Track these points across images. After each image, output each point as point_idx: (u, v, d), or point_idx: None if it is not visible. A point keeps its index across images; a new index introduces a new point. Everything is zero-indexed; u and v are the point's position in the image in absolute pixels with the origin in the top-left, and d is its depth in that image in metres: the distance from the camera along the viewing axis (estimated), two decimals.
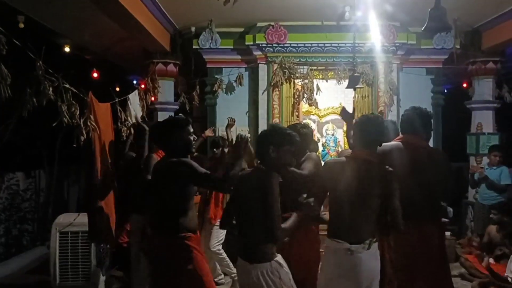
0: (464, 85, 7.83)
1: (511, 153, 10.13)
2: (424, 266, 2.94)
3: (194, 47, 6.56)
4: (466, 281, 5.23)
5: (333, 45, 6.31)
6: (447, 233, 6.16)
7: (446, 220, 6.41)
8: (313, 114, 7.45)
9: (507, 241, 5.13)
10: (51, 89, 2.62)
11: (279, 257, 2.54)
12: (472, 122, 7.13)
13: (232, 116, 6.67)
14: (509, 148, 10.08)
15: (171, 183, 2.82)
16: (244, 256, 2.55)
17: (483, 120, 6.93)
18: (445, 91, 6.96)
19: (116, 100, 4.12)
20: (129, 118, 4.35)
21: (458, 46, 6.41)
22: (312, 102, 6.42)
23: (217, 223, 4.68)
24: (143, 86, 6.49)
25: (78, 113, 2.91)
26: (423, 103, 6.60)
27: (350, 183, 2.60)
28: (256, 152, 2.73)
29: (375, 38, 5.87)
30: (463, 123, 7.49)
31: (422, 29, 4.00)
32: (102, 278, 4.49)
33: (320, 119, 7.54)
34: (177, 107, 7.05)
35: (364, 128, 2.75)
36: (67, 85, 2.81)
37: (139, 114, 4.70)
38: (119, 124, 4.18)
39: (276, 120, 6.39)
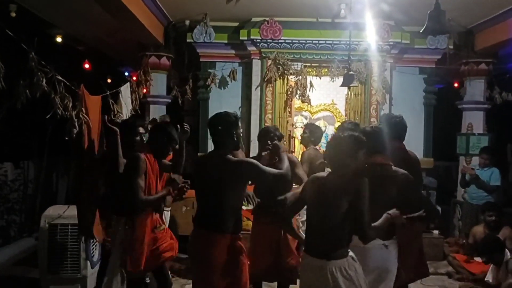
0: (456, 85, 7.88)
1: (500, 154, 10.29)
2: None
3: (188, 40, 6.52)
4: (452, 280, 5.28)
5: (327, 42, 6.31)
6: (435, 232, 6.24)
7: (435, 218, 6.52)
8: (305, 111, 7.46)
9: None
10: (44, 80, 2.58)
11: (351, 252, 2.62)
12: (462, 123, 7.18)
13: (224, 110, 6.66)
14: (498, 149, 10.23)
15: (238, 181, 2.79)
16: (320, 254, 2.57)
17: (474, 121, 6.99)
18: (437, 91, 6.98)
19: (108, 93, 4.06)
20: (120, 111, 4.31)
21: (451, 47, 6.46)
22: (305, 99, 6.42)
23: None
24: (135, 78, 6.44)
25: (71, 105, 2.87)
26: (415, 103, 6.72)
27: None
28: (334, 157, 2.68)
29: (370, 36, 5.88)
30: (454, 123, 7.55)
31: (421, 31, 4.01)
32: (91, 271, 4.46)
33: (312, 116, 7.55)
34: (169, 100, 7.01)
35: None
36: (60, 77, 2.76)
37: (130, 107, 4.66)
38: (112, 117, 4.13)
39: (269, 116, 6.39)
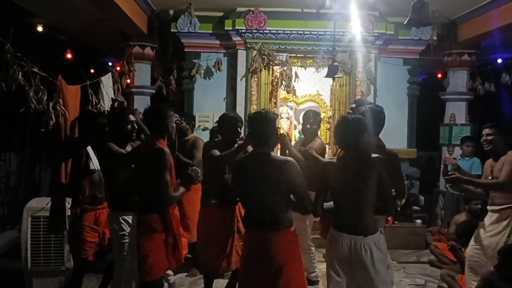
0: (439, 76, 7.95)
1: (482, 144, 10.42)
2: None
3: (172, 30, 6.45)
4: (435, 268, 5.37)
5: (312, 33, 6.30)
6: (418, 221, 6.33)
7: (418, 208, 6.62)
8: (290, 101, 7.49)
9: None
10: (20, 73, 2.52)
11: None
12: (445, 113, 7.26)
13: (209, 101, 6.66)
14: (480, 140, 10.36)
15: (290, 179, 2.78)
16: (356, 231, 2.82)
17: (456, 111, 7.07)
18: (421, 81, 7.04)
19: (88, 83, 4.00)
20: (101, 101, 4.25)
21: (435, 38, 6.50)
22: (290, 90, 6.42)
23: None
24: (118, 68, 6.36)
25: (45, 98, 2.81)
26: (399, 93, 6.77)
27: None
28: (347, 140, 2.90)
29: (355, 27, 5.88)
30: (437, 114, 7.63)
31: (405, 22, 4.04)
32: None
33: (298, 106, 7.58)
34: (153, 91, 6.95)
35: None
36: (36, 69, 2.71)
37: (111, 97, 4.59)
38: (89, 107, 4.07)
39: (254, 107, 6.37)
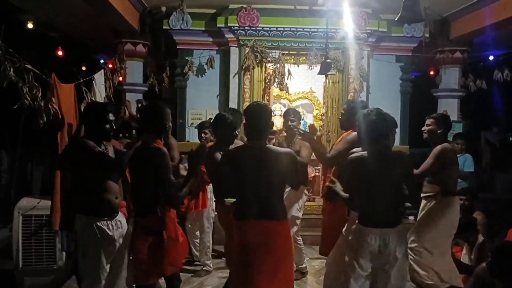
0: (432, 73, 7.99)
1: (474, 141, 10.51)
2: None
3: (164, 27, 6.42)
4: None
5: (305, 30, 6.29)
6: (410, 218, 6.34)
7: (410, 204, 6.63)
8: (283, 99, 7.46)
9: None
10: (12, 70, 2.49)
11: None
12: (438, 110, 7.28)
13: (202, 99, 6.63)
14: (472, 136, 10.45)
15: (288, 170, 2.88)
16: (386, 224, 2.86)
17: (448, 108, 7.09)
18: (414, 79, 7.07)
19: (81, 81, 3.97)
20: (93, 99, 4.22)
21: (427, 35, 6.52)
22: (283, 87, 6.41)
23: None
24: (110, 66, 6.32)
25: (40, 95, 2.78)
26: (392, 90, 6.79)
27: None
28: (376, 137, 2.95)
29: (347, 24, 5.88)
30: (429, 111, 7.64)
31: (396, 19, 4.04)
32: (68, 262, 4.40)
33: (291, 103, 7.56)
34: (146, 88, 6.92)
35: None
36: (29, 66, 2.68)
37: (104, 95, 4.57)
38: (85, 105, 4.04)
39: (247, 104, 6.35)
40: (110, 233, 3.00)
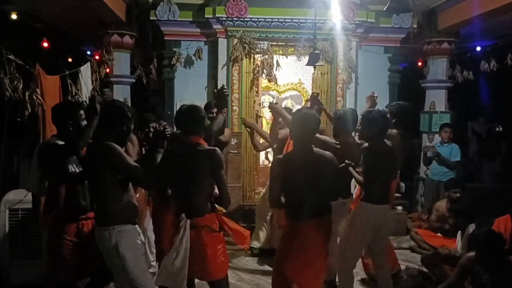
0: (420, 64, 8.01)
1: (461, 131, 10.61)
2: None
3: (151, 18, 6.34)
4: (415, 254, 5.46)
5: (293, 21, 6.26)
6: (399, 208, 6.40)
7: (399, 195, 6.69)
8: (272, 90, 7.45)
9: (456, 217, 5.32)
10: None
11: None
12: (426, 101, 7.33)
13: (190, 90, 6.59)
14: (459, 127, 10.55)
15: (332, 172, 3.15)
16: (385, 201, 3.62)
17: (436, 99, 7.15)
18: (401, 69, 7.09)
19: (67, 73, 3.91)
20: (79, 91, 4.17)
21: (415, 26, 6.53)
22: (271, 78, 6.39)
23: None
24: (97, 57, 6.24)
25: (21, 86, 2.73)
26: (380, 81, 6.81)
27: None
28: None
29: (336, 15, 5.87)
30: (418, 102, 7.69)
31: (384, 9, 4.05)
32: None
33: (280, 95, 7.55)
34: (133, 80, 6.84)
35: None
36: (12, 56, 2.62)
37: (90, 87, 4.51)
38: (70, 98, 3.98)
39: (236, 96, 6.34)
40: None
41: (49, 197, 3.19)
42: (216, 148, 3.05)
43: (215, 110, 4.14)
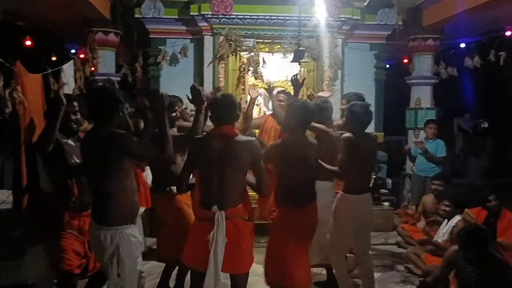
0: (406, 61, 8.07)
1: (447, 128, 10.72)
2: None
3: (136, 16, 6.28)
4: (402, 249, 5.50)
5: (279, 18, 6.24)
6: (386, 204, 6.45)
7: (385, 191, 6.75)
8: (259, 88, 7.43)
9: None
10: None
11: None
12: (411, 97, 7.39)
13: (176, 88, 6.53)
14: (445, 123, 10.66)
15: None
16: (367, 191, 3.79)
17: (422, 96, 7.21)
18: (387, 66, 7.13)
19: (49, 71, 3.86)
20: (61, 90, 4.11)
21: (400, 23, 6.56)
22: (257, 76, 6.37)
23: None
24: (82, 56, 6.17)
25: (2, 83, 2.69)
26: (366, 78, 6.83)
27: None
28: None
29: (321, 12, 5.87)
30: (405, 99, 7.75)
31: (365, 3, 4.06)
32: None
33: (267, 93, 7.54)
34: (118, 78, 6.78)
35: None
36: None
37: (73, 86, 4.46)
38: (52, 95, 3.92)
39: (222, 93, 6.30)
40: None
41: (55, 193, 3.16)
42: (254, 138, 3.09)
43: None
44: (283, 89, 5.55)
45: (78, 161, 3.10)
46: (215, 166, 2.88)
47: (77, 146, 3.12)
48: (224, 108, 2.94)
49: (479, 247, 3.29)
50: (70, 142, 3.20)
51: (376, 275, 4.69)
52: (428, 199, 5.69)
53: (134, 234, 2.76)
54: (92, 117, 2.82)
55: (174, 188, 3.43)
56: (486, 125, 12.91)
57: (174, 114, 3.63)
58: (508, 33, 6.05)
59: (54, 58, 7.36)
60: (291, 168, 3.20)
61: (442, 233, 4.68)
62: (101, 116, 2.75)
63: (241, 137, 2.97)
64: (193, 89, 3.28)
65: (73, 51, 8.60)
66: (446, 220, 4.70)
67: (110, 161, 2.66)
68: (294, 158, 3.20)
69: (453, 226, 4.54)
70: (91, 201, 2.89)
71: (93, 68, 6.24)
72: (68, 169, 3.11)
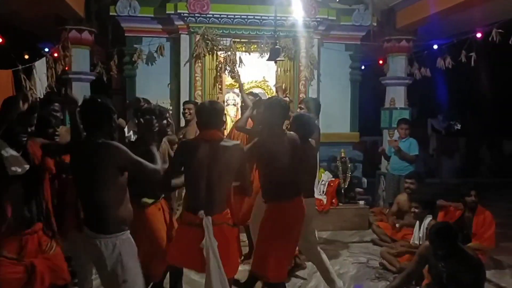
0: (380, 62, 8.19)
1: (421, 128, 10.93)
2: None
3: (111, 14, 6.20)
4: (377, 246, 5.57)
5: (256, 17, 6.26)
6: (361, 202, 6.52)
7: (361, 190, 6.82)
8: (236, 88, 7.42)
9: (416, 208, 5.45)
10: None
11: None
12: (386, 98, 7.50)
13: (152, 88, 6.48)
14: (420, 123, 10.86)
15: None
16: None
17: (396, 96, 7.33)
18: (363, 67, 7.23)
19: (20, 68, 3.78)
20: (33, 87, 4.03)
21: (374, 24, 6.66)
22: (234, 75, 6.37)
23: None
24: (56, 54, 6.06)
25: None
26: (342, 79, 6.91)
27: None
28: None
29: (297, 12, 5.91)
30: (379, 99, 7.87)
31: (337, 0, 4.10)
32: None
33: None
34: (93, 77, 6.67)
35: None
36: None
37: (45, 84, 4.37)
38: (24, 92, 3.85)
39: (199, 93, 6.29)
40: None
41: None
42: (239, 142, 3.22)
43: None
44: (250, 91, 5.66)
45: (19, 170, 2.58)
46: (202, 171, 2.88)
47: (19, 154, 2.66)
48: (210, 114, 2.95)
49: (448, 243, 3.36)
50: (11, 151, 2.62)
51: (352, 272, 4.78)
52: (402, 197, 5.77)
53: (132, 240, 2.72)
54: (85, 127, 2.71)
55: (148, 200, 3.30)
56: (459, 127, 13.23)
57: (165, 121, 3.54)
58: (478, 35, 6.20)
59: (26, 57, 7.20)
60: (275, 163, 3.23)
61: (419, 236, 4.75)
62: (94, 125, 2.66)
63: (228, 142, 2.99)
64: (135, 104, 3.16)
65: (46, 50, 8.45)
66: (418, 222, 4.77)
67: (102, 173, 2.59)
68: (276, 154, 3.23)
69: (427, 228, 4.61)
70: (82, 210, 2.78)
71: (67, 68, 6.14)
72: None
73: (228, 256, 2.88)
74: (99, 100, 2.70)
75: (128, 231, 2.71)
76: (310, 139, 3.84)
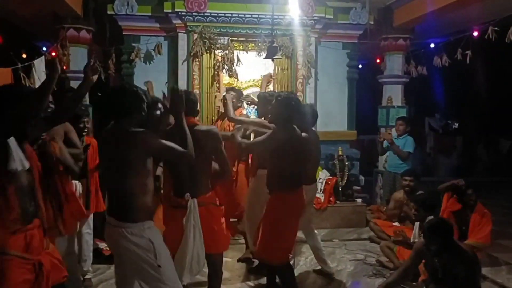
0: (377, 60, 8.22)
1: (419, 127, 10.97)
2: None
3: (109, 12, 6.20)
4: (374, 243, 5.60)
5: (253, 16, 6.28)
6: (359, 200, 6.55)
7: (358, 188, 6.85)
8: (234, 86, 7.45)
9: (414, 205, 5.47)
10: None
11: None
12: (383, 96, 7.54)
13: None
14: (417, 122, 10.90)
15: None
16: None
17: (393, 94, 7.37)
18: (360, 65, 7.26)
19: (19, 66, 3.79)
20: (33, 86, 4.05)
21: (372, 22, 6.69)
22: (232, 74, 6.39)
23: None
24: (54, 54, 6.06)
25: None
26: (339, 77, 6.93)
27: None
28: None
29: (294, 10, 5.93)
30: (376, 97, 7.90)
31: None
32: None
33: (242, 91, 7.56)
34: None
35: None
36: None
37: None
38: None
39: (196, 91, 6.30)
40: None
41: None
42: (212, 126, 3.48)
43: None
44: (232, 87, 5.63)
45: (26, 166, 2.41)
46: None
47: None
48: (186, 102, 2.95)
49: (442, 238, 3.39)
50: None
51: (349, 269, 4.82)
52: (399, 194, 5.80)
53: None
54: (112, 115, 2.69)
55: None
56: (456, 125, 13.27)
57: (158, 112, 3.47)
58: (475, 33, 6.22)
59: (24, 56, 7.19)
60: (286, 158, 3.44)
61: (418, 233, 4.78)
62: (122, 114, 2.64)
63: (201, 126, 3.15)
64: (175, 93, 2.87)
65: (44, 48, 8.46)
66: (417, 223, 4.79)
67: (133, 161, 2.58)
68: (289, 149, 3.42)
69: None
70: (108, 200, 2.80)
71: (65, 67, 6.15)
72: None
73: (215, 233, 3.11)
74: (130, 88, 2.71)
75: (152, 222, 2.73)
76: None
